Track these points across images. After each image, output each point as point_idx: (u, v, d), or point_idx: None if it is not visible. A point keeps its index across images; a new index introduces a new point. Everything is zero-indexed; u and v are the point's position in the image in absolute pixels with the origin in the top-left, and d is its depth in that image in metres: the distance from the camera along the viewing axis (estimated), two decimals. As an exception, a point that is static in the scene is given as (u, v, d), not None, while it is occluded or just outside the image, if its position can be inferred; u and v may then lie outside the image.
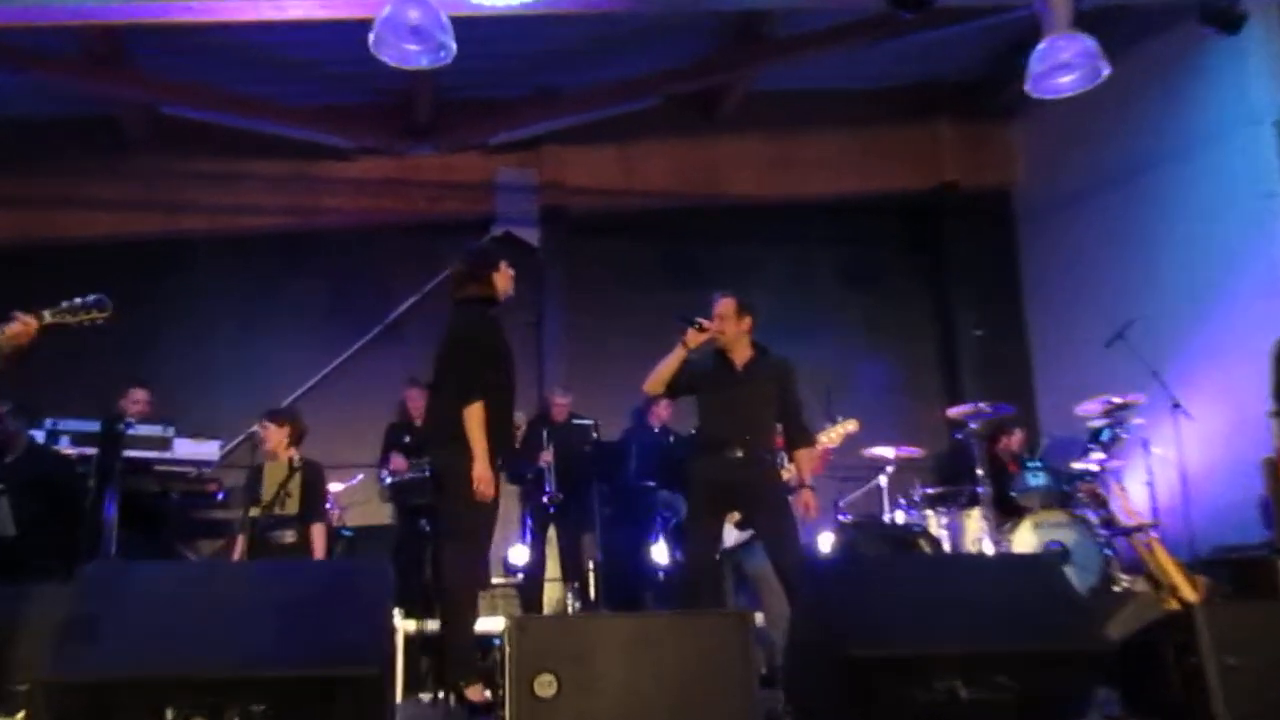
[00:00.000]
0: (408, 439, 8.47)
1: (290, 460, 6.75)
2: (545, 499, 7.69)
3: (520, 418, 5.66)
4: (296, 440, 6.92)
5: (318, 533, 6.69)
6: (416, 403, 8.51)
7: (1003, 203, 11.18)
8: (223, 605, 3.87)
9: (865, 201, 10.74)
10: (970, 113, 11.01)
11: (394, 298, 10.04)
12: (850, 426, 6.87)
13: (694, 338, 5.62)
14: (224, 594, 3.96)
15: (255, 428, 7.03)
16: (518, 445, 5.59)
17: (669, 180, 10.70)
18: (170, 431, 7.67)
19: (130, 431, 7.14)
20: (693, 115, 10.65)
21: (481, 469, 4.98)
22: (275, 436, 6.88)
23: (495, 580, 8.73)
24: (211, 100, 9.53)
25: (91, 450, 6.95)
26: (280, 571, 4.48)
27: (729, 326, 5.71)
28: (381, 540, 7.66)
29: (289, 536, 6.58)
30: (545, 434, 7.92)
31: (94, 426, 7.13)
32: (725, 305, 5.75)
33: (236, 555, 6.64)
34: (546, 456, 7.77)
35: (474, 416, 5.03)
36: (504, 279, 5.38)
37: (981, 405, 7.94)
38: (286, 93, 9.79)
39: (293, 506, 6.67)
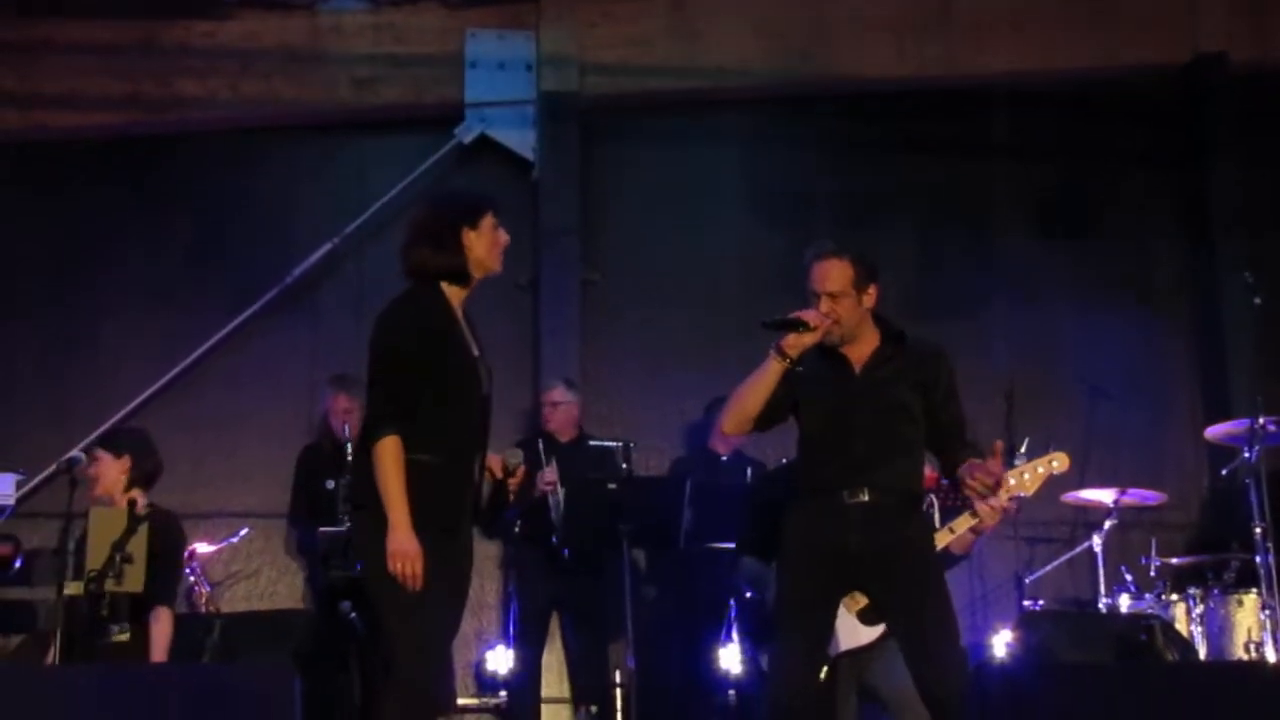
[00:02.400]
0: (331, 483, 8.50)
1: (132, 506, 6.78)
2: (554, 542, 7.72)
3: (516, 457, 5.67)
4: (143, 480, 7.00)
5: (160, 623, 6.77)
6: (346, 417, 8.53)
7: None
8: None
9: (1072, 85, 10.71)
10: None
11: (299, 243, 10.06)
12: (1056, 464, 6.78)
13: (795, 343, 5.64)
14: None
15: (76, 454, 6.99)
16: (511, 495, 5.65)
17: (753, 51, 10.66)
18: (-66, 461, 7.74)
19: None
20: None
21: (399, 537, 5.07)
22: (110, 473, 6.93)
23: (464, 700, 8.80)
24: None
25: None
26: (111, 682, 4.51)
27: (845, 308, 5.70)
28: (279, 635, 7.66)
29: (119, 631, 6.66)
30: (543, 452, 8.04)
31: None
32: (835, 271, 5.70)
33: (50, 658, 6.63)
34: (549, 476, 7.86)
35: (384, 456, 5.13)
36: (484, 242, 5.42)
37: (1264, 423, 7.90)
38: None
39: (135, 579, 6.65)
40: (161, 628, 6.77)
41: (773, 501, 6.45)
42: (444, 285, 5.39)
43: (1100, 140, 10.83)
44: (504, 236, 5.46)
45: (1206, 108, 10.89)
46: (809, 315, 5.61)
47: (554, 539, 7.88)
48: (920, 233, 10.31)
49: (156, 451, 7.18)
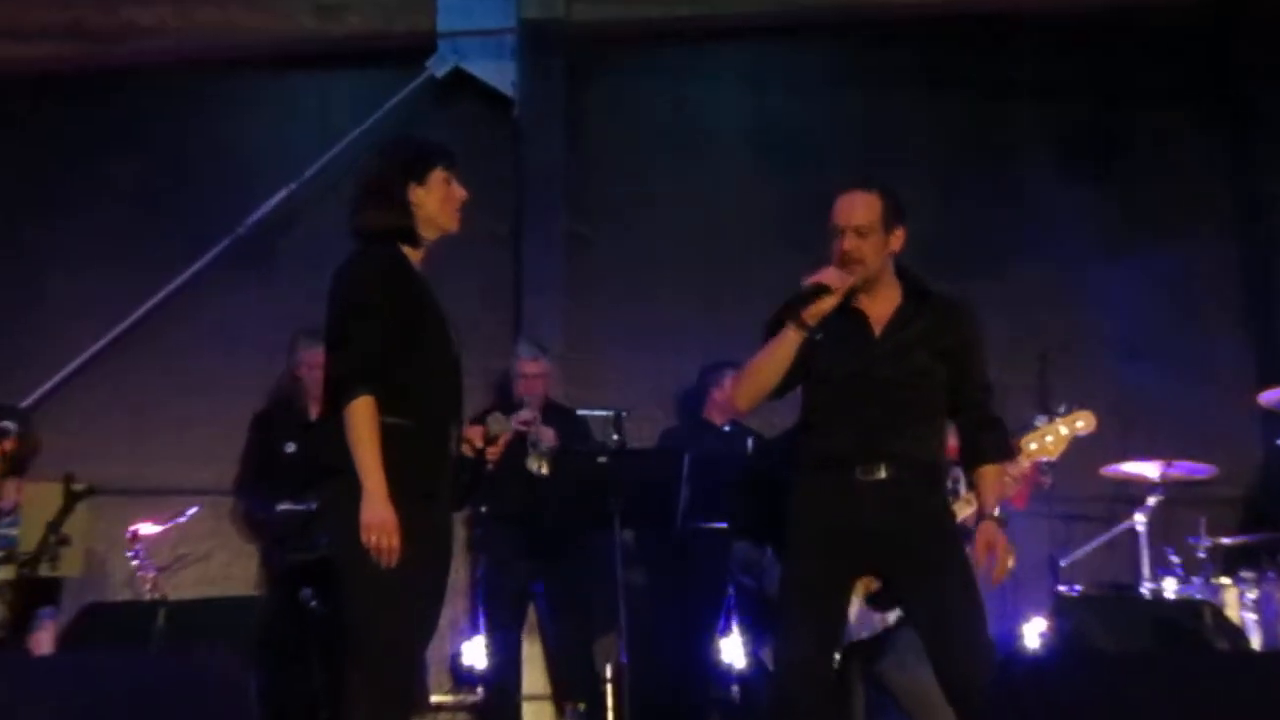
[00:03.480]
0: (292, 446, 8.47)
1: (69, 482, 6.81)
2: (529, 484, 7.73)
3: (500, 424, 5.59)
4: (19, 465, 7.13)
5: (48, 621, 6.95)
6: (311, 373, 8.35)
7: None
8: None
9: (1103, 14, 10.59)
10: None
11: (255, 188, 10.01)
12: (1081, 423, 6.89)
13: (816, 311, 5.59)
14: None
15: (5, 424, 7.17)
16: (491, 465, 5.59)
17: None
18: None
19: None
20: None
21: (374, 506, 5.03)
22: None
23: (438, 698, 8.89)
24: None
25: None
26: (48, 672, 4.61)
27: (871, 247, 5.63)
28: (232, 624, 7.61)
29: None
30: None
31: None
32: (863, 204, 5.64)
33: None
34: (526, 415, 7.87)
35: (357, 418, 5.10)
36: (433, 199, 5.38)
37: (1322, 387, 7.92)
38: None
39: (73, 563, 6.76)
40: (47, 627, 6.92)
41: (768, 476, 6.56)
42: (400, 245, 5.36)
43: (1134, 73, 10.85)
44: (459, 191, 5.43)
45: (1243, 37, 10.88)
46: (828, 276, 5.56)
47: (533, 472, 7.77)
48: (940, 178, 10.27)
49: (37, 436, 7.32)
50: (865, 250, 5.59)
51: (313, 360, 8.47)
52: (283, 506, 7.98)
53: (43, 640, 6.94)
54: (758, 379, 5.74)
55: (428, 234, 5.38)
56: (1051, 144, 10.69)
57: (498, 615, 8.46)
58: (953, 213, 10.11)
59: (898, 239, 5.68)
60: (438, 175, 5.36)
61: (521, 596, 8.54)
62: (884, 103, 10.51)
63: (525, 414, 7.96)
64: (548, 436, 7.97)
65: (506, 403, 8.43)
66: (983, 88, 10.65)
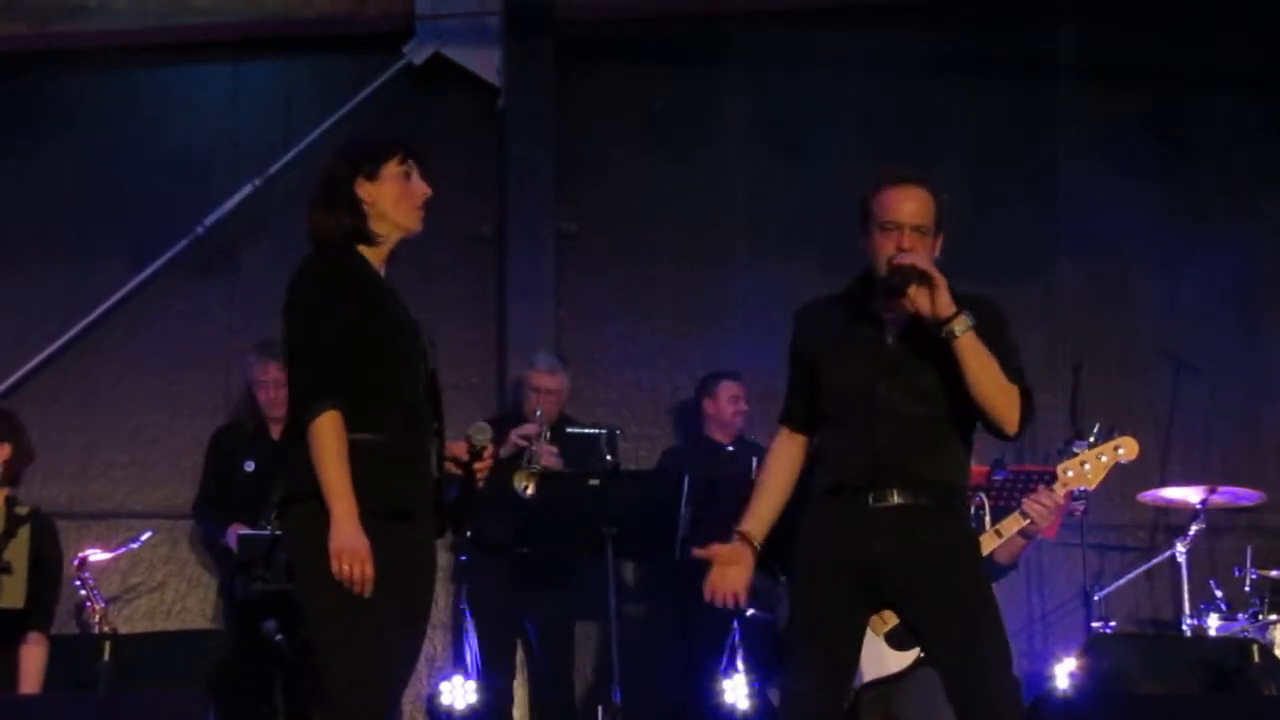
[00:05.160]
0: (251, 465, 8.60)
1: (11, 504, 6.94)
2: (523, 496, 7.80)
3: (484, 433, 5.65)
4: (12, 472, 7.16)
5: (35, 650, 6.97)
6: (278, 391, 8.44)
7: None
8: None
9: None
10: None
11: (214, 186, 10.05)
12: (1122, 450, 6.81)
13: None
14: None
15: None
16: (480, 482, 5.63)
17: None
18: None
19: None
20: None
21: (344, 531, 5.00)
22: None
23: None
24: None
25: None
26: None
27: (926, 250, 5.55)
28: (188, 660, 7.73)
29: None
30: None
31: None
32: (923, 202, 5.57)
33: None
34: (529, 429, 7.99)
35: (323, 434, 5.08)
36: (388, 195, 5.34)
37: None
38: None
39: (14, 593, 6.81)
40: (36, 656, 6.95)
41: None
42: (361, 248, 5.34)
43: (1195, 56, 10.70)
44: (420, 186, 5.36)
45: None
46: (919, 259, 5.45)
47: (518, 492, 7.81)
48: (972, 171, 10.23)
49: (24, 433, 7.35)
50: (921, 252, 5.51)
51: (264, 375, 8.63)
52: (241, 530, 8.04)
53: (34, 663, 7.01)
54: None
55: (384, 233, 5.31)
56: (1098, 134, 10.61)
57: (488, 652, 8.45)
58: (984, 209, 10.10)
59: (939, 244, 5.65)
60: (392, 169, 5.29)
61: (512, 631, 8.58)
62: (911, 88, 10.45)
63: (528, 428, 8.07)
64: (547, 455, 8.03)
65: (515, 416, 8.58)
66: (1021, 70, 10.58)
